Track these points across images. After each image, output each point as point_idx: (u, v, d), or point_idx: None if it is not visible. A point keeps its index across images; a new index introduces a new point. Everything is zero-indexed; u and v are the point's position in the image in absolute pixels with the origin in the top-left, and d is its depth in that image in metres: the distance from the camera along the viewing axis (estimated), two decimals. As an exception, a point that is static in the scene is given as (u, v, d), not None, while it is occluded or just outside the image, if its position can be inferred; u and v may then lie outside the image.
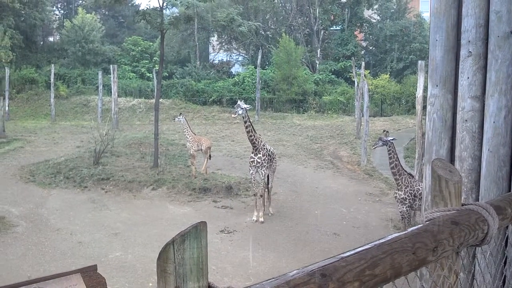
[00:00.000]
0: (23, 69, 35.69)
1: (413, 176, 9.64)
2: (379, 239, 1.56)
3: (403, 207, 9.23)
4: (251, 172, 11.53)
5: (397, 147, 9.96)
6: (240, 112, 11.13)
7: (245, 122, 11.19)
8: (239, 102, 11.43)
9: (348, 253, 1.42)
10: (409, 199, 9.15)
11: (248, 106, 11.51)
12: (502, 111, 3.82)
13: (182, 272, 1.10)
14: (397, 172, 9.33)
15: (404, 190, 9.19)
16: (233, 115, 11.16)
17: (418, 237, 1.64)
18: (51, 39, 45.92)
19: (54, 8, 46.37)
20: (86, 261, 8.51)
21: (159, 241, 9.56)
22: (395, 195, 9.50)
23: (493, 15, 3.83)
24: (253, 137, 11.22)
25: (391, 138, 9.71)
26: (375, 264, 1.43)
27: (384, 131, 10.31)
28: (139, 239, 10.11)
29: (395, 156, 9.44)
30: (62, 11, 47.79)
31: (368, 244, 1.51)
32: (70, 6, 46.89)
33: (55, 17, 46.47)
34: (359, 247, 1.48)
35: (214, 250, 9.20)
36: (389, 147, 9.47)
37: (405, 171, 9.53)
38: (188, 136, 15.23)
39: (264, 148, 11.42)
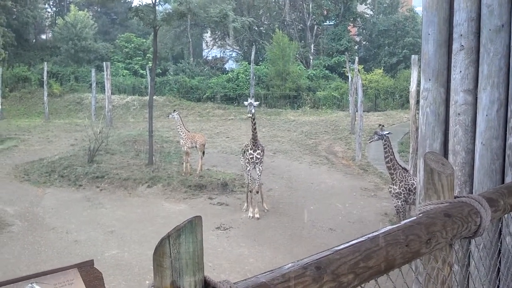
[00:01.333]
0: (15, 67, 35.50)
1: (407, 171, 9.67)
2: (373, 232, 1.57)
3: (398, 202, 9.25)
4: (248, 168, 11.58)
5: (392, 141, 9.99)
6: (253, 110, 11.33)
7: (253, 119, 11.38)
8: (250, 100, 11.54)
9: (342, 246, 1.44)
10: (404, 194, 9.18)
11: (257, 102, 11.79)
12: (494, 104, 3.84)
13: (178, 266, 1.11)
14: (392, 167, 9.35)
15: (399, 185, 9.21)
16: (249, 114, 11.42)
17: (411, 230, 1.66)
18: (43, 36, 45.70)
19: (46, 6, 46.14)
20: (82, 260, 8.44)
21: (155, 238, 9.56)
22: (390, 189, 9.52)
23: (484, 9, 3.85)
24: (257, 133, 11.42)
25: (387, 132, 9.73)
26: (369, 257, 1.44)
27: (379, 125, 10.34)
28: (135, 236, 10.11)
29: (391, 150, 9.45)
30: (54, 9, 47.55)
31: (361, 237, 1.53)
32: (62, 3, 46.64)
33: (47, 15, 46.23)
34: (353, 240, 1.49)
35: (210, 246, 9.22)
36: (384, 141, 9.48)
37: (400, 165, 9.55)
38: (181, 133, 15.17)
39: (260, 144, 11.61)
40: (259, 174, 11.57)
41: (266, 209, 11.83)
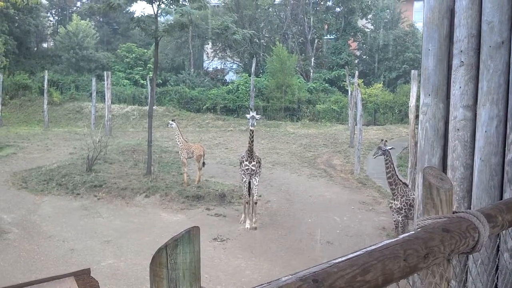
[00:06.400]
0: (16, 75, 35.54)
1: (408, 186, 9.64)
2: (371, 246, 1.57)
3: (398, 217, 9.20)
4: (244, 180, 11.58)
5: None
6: (255, 124, 11.36)
7: (253, 131, 11.38)
8: (252, 113, 11.50)
9: (339, 259, 1.43)
10: (405, 209, 9.14)
11: (259, 116, 11.82)
12: (493, 120, 3.85)
13: (174, 277, 1.10)
14: (393, 182, 9.30)
15: (400, 200, 9.17)
16: (251, 127, 11.39)
17: (409, 244, 1.65)
18: (45, 45, 45.80)
19: (49, 14, 46.27)
20: (78, 269, 8.42)
21: (151, 248, 9.52)
22: (390, 204, 9.47)
23: (485, 26, 3.87)
24: (253, 145, 11.42)
25: (389, 147, 9.71)
26: (367, 271, 1.44)
27: (382, 140, 10.34)
28: (131, 246, 10.06)
29: (392, 165, 9.41)
30: (56, 17, 47.69)
31: (359, 250, 1.52)
32: (65, 12, 46.82)
33: (49, 23, 46.35)
34: (351, 253, 1.49)
35: (207, 258, 9.18)
36: (386, 156, 9.45)
37: (401, 180, 9.51)
38: (178, 143, 15.18)
39: (256, 156, 11.61)
40: (256, 185, 11.59)
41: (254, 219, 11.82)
